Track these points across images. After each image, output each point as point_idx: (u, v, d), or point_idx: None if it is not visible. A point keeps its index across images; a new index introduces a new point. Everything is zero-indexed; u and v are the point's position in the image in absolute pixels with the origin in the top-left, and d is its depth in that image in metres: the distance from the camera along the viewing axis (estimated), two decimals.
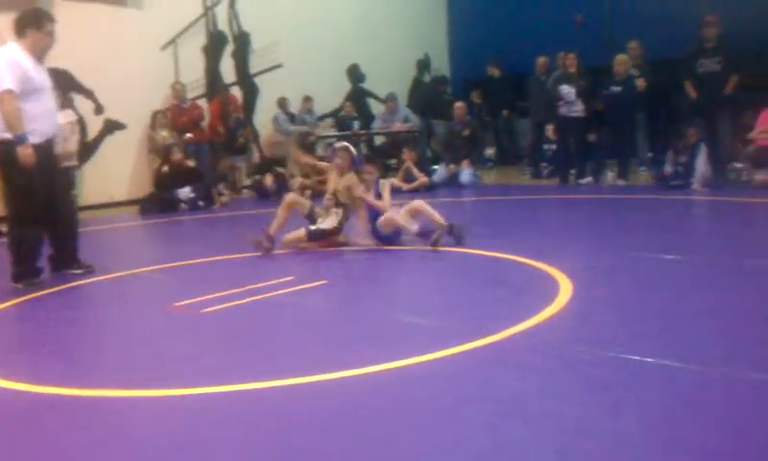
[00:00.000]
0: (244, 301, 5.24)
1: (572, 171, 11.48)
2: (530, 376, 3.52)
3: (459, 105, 12.95)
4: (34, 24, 6.06)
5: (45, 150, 6.11)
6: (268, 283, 5.66)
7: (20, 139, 5.85)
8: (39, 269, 6.27)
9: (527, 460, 2.71)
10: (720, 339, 3.92)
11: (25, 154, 5.84)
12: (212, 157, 12.84)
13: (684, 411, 3.03)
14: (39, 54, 6.13)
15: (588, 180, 11.20)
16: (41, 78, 6.11)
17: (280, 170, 12.35)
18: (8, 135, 5.87)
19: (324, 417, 3.18)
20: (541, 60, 13.07)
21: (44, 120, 6.06)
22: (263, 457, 2.85)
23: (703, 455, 2.65)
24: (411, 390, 3.45)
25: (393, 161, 14.16)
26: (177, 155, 11.33)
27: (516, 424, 3.00)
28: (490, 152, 14.49)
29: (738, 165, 9.93)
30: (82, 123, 11.65)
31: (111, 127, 10.96)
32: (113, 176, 11.99)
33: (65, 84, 11.59)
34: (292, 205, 7.28)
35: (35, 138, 5.94)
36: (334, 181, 7.23)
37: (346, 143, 7.69)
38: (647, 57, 11.69)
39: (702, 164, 9.74)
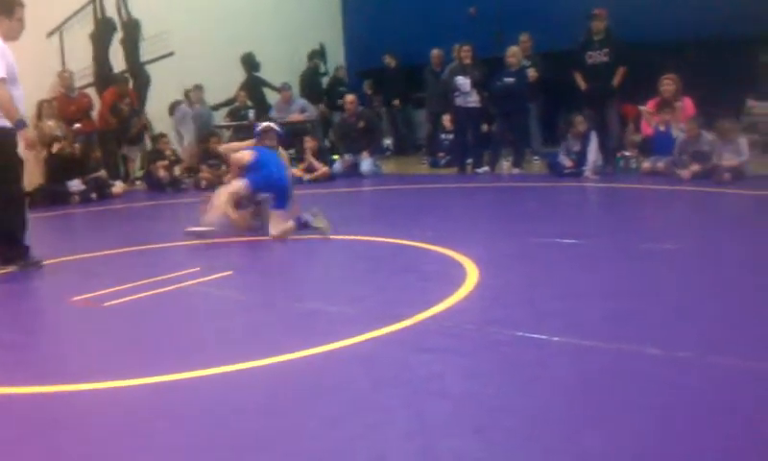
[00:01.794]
0: (148, 293, 5.11)
1: (469, 160, 11.68)
2: (444, 357, 3.57)
3: (350, 98, 12.88)
4: (4, 12, 6.09)
5: (11, 134, 6.10)
6: (172, 275, 5.53)
7: (20, 124, 5.95)
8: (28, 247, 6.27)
9: (448, 439, 2.75)
10: (619, 318, 4.08)
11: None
12: (103, 147, 12.40)
13: (594, 386, 3.15)
14: (11, 40, 6.17)
15: (485, 169, 11.42)
16: (16, 64, 6.14)
17: (171, 159, 12.06)
18: (2, 122, 5.89)
19: (240, 406, 3.14)
20: (436, 51, 13.22)
21: (21, 106, 6.10)
22: (180, 448, 2.79)
23: (616, 429, 2.75)
24: (326, 376, 3.45)
25: (291, 151, 14.09)
26: (64, 146, 10.88)
27: (434, 405, 3.05)
28: (387, 141, 14.59)
29: (627, 153, 10.34)
30: None
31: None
32: None
33: None
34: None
35: (7, 123, 5.95)
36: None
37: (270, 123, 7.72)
38: (538, 49, 12.03)
39: (593, 153, 10.10)
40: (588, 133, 10.14)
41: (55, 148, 10.78)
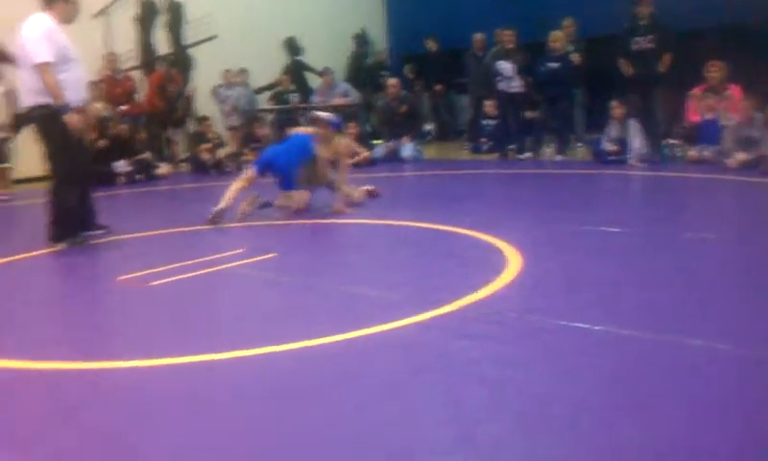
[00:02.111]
0: (193, 273, 5.19)
1: (511, 146, 11.63)
2: (484, 344, 3.58)
3: (392, 82, 12.91)
4: None
5: (77, 114, 6.30)
6: (216, 256, 5.62)
7: (64, 109, 6.08)
8: (79, 227, 6.46)
9: (486, 425, 2.76)
10: (661, 308, 4.05)
11: (71, 120, 6.10)
12: (149, 129, 12.58)
13: (634, 376, 3.14)
14: (66, 23, 6.35)
15: (528, 155, 11.36)
16: (71, 47, 6.29)
17: (215, 142, 12.18)
18: (48, 100, 6.06)
19: (278, 388, 3.19)
20: (478, 36, 13.15)
21: (74, 87, 6.23)
22: (219, 427, 2.84)
23: (655, 419, 2.74)
24: (365, 360, 3.48)
25: None
26: (112, 128, 11.07)
27: (473, 391, 3.06)
28: (429, 127, 14.56)
29: (673, 141, 10.20)
30: (13, 94, 11.31)
31: None
32: None
33: None
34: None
35: (69, 102, 6.15)
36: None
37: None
38: (582, 34, 11.88)
39: (636, 140, 9.99)
40: (628, 120, 10.02)
41: (113, 131, 10.96)
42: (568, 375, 3.18)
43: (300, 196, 7.42)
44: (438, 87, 14.58)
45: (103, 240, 6.57)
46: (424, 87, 14.84)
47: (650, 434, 2.62)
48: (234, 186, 7.42)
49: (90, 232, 6.57)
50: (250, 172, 7.58)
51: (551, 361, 3.35)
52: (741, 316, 3.84)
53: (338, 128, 7.69)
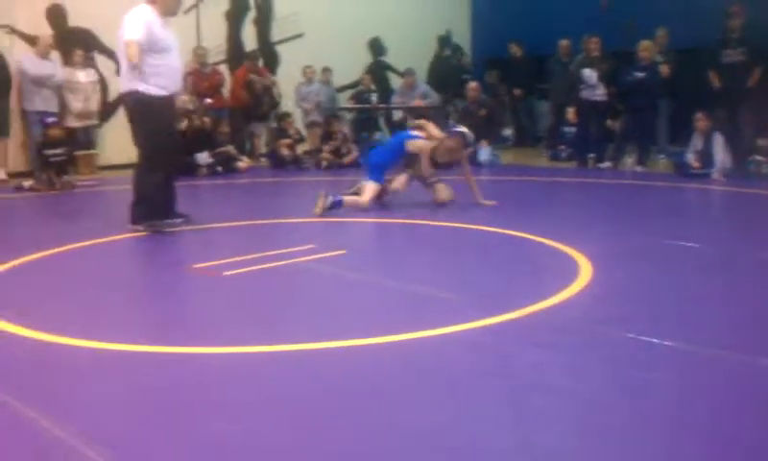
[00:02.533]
0: (264, 266, 5.29)
1: (591, 155, 11.46)
2: (550, 352, 3.55)
3: (473, 85, 12.86)
4: None
5: (168, 103, 6.62)
6: (288, 250, 5.71)
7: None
8: (162, 212, 6.65)
9: (544, 434, 2.74)
10: (736, 326, 3.95)
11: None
12: (232, 123, 12.85)
13: (701, 395, 3.06)
14: (168, 15, 6.64)
15: (607, 164, 11.18)
16: (169, 38, 6.57)
17: (295, 138, 12.35)
18: (140, 87, 6.32)
19: (347, 382, 3.23)
20: (564, 42, 12.99)
21: (168, 75, 6.51)
22: (292, 418, 2.90)
23: (719, 440, 2.68)
24: (429, 360, 3.49)
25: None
26: (196, 120, 11.33)
27: (536, 398, 3.04)
28: (508, 132, 14.45)
29: (759, 158, 9.88)
30: (103, 83, 11.74)
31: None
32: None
33: (87, 44, 11.68)
34: None
35: (160, 91, 6.42)
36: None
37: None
38: (672, 45, 11.62)
39: (720, 153, 9.72)
40: (712, 133, 9.76)
41: (184, 124, 11.22)
42: (632, 388, 3.13)
43: (399, 180, 7.83)
44: (517, 92, 14.46)
45: (181, 228, 6.75)
46: (506, 92, 14.74)
47: (712, 454, 2.56)
48: (358, 200, 7.65)
49: (170, 220, 6.75)
50: (373, 185, 7.75)
51: (616, 373, 3.30)
52: None
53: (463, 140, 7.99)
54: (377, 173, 7.81)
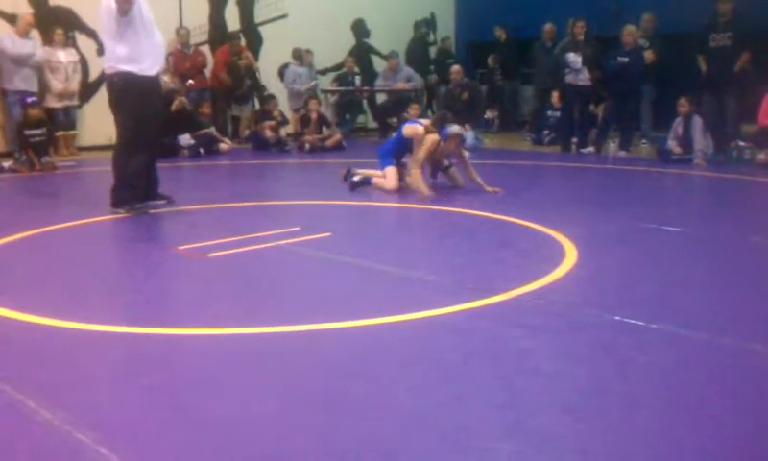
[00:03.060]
0: (250, 248, 5.26)
1: (574, 140, 11.48)
2: (538, 335, 3.55)
3: (455, 68, 12.83)
4: None
5: (156, 83, 6.55)
6: (273, 232, 5.67)
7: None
8: (141, 195, 6.58)
9: (537, 415, 2.74)
10: (723, 310, 3.97)
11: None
12: (214, 104, 12.76)
13: (689, 377, 3.07)
14: None
15: (590, 149, 11.21)
16: (150, 17, 6.44)
17: (278, 121, 12.27)
18: (126, 68, 6.22)
19: (327, 366, 3.20)
20: (548, 26, 12.99)
21: (155, 55, 6.44)
22: (279, 401, 2.88)
23: (707, 422, 2.69)
24: (417, 343, 3.48)
25: (394, 120, 14.13)
26: (179, 102, 11.23)
27: (525, 381, 3.04)
28: (490, 115, 14.45)
29: (742, 143, 9.94)
30: (83, 63, 11.60)
31: None
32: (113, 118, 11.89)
33: (68, 23, 11.52)
34: None
35: (148, 70, 6.35)
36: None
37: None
38: (658, 30, 11.65)
39: (699, 138, 9.77)
40: (691, 117, 9.80)
41: (176, 104, 11.12)
42: (621, 370, 3.14)
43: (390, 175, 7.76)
44: (497, 77, 14.45)
45: (164, 210, 6.69)
46: (501, 77, 14.74)
47: (701, 435, 2.57)
48: (384, 183, 7.77)
49: (152, 202, 6.69)
50: (392, 170, 7.84)
51: (604, 356, 3.30)
52: None
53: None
54: (388, 158, 7.90)
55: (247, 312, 3.93)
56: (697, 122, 9.83)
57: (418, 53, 15.04)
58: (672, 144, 10.06)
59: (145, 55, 6.29)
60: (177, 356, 3.35)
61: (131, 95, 6.30)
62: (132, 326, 3.70)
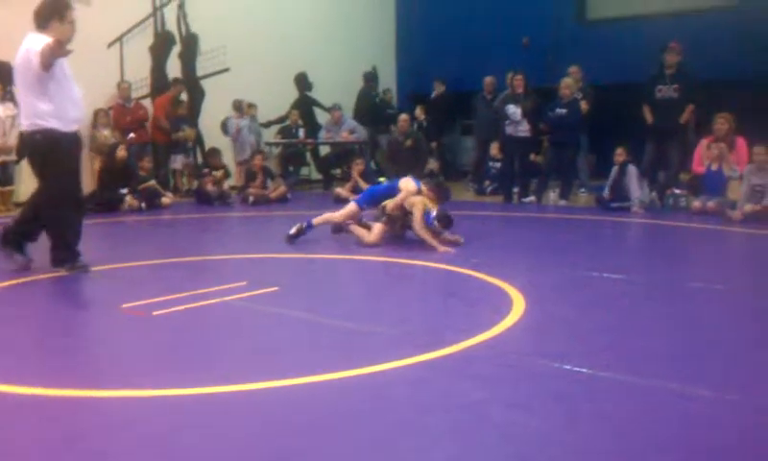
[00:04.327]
0: (195, 304, 5.18)
1: (516, 189, 11.67)
2: (490, 386, 3.57)
3: (403, 117, 12.98)
4: (57, 15, 6.14)
5: (77, 139, 6.32)
6: (219, 288, 5.60)
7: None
8: (79, 252, 6.36)
9: None
10: (668, 355, 4.05)
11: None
12: (156, 158, 12.65)
13: (642, 424, 3.12)
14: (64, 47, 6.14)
15: (531, 199, 11.40)
16: (66, 67, 6.22)
17: (219, 175, 12.18)
18: (50, 124, 6.01)
19: (276, 424, 3.16)
20: (489, 79, 13.26)
21: (75, 108, 6.22)
22: (225, 459, 2.83)
23: None
24: (368, 398, 3.46)
25: (338, 171, 14.20)
26: (122, 152, 11.08)
27: (479, 433, 3.04)
28: (432, 166, 14.61)
29: (678, 191, 10.24)
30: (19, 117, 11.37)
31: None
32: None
33: (6, 77, 11.30)
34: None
35: (70, 126, 6.15)
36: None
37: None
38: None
39: (635, 187, 10.04)
40: (625, 166, 10.08)
41: (119, 154, 10.98)
42: (572, 419, 3.17)
43: (376, 229, 7.64)
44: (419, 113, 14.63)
45: (106, 267, 6.56)
46: (433, 129, 14.94)
47: None
48: (332, 215, 7.91)
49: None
50: (353, 207, 7.92)
51: (556, 405, 3.33)
52: (748, 367, 3.83)
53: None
54: (363, 198, 8.03)
55: (191, 372, 3.84)
56: (632, 171, 10.11)
57: (368, 104, 15.14)
58: (608, 193, 10.31)
59: (68, 110, 6.12)
60: (119, 419, 3.26)
61: (56, 151, 6.07)
62: (75, 388, 3.60)
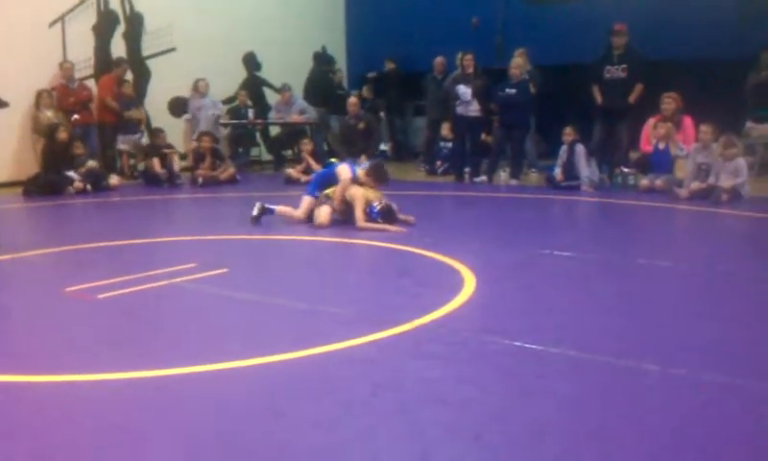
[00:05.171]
0: (142, 287, 5.08)
1: (467, 169, 11.68)
2: (441, 364, 3.55)
3: (352, 99, 12.89)
4: None
5: None
6: (168, 270, 5.50)
7: None
8: None
9: (445, 444, 2.73)
10: (616, 332, 4.08)
11: None
12: (102, 139, 12.36)
13: (594, 400, 3.14)
14: None
15: (483, 179, 11.42)
16: None
17: (169, 152, 11.94)
18: None
19: (227, 406, 3.11)
20: (439, 59, 13.20)
21: None
22: (174, 445, 2.77)
23: (609, 444, 2.74)
24: (320, 378, 3.42)
25: (288, 152, 14.07)
26: (62, 134, 10.81)
27: (431, 411, 3.03)
28: (385, 147, 14.57)
29: (626, 169, 10.36)
30: None
31: None
32: None
33: None
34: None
35: None
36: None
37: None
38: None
39: (584, 166, 10.13)
40: (575, 145, 10.17)
41: (61, 136, 10.71)
42: (525, 396, 3.17)
43: (323, 211, 7.51)
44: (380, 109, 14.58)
45: (50, 250, 6.39)
46: (384, 108, 14.87)
47: (604, 458, 2.61)
48: (293, 212, 7.71)
49: None
50: (308, 200, 7.72)
51: (508, 382, 3.34)
52: (697, 342, 3.88)
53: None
54: (312, 186, 7.83)
55: (139, 355, 3.77)
56: (580, 150, 10.19)
57: (320, 85, 14.95)
58: (558, 172, 10.39)
59: None
60: (69, 404, 3.18)
61: None
62: (16, 374, 3.49)
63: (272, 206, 7.68)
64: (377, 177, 7.64)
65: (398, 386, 3.29)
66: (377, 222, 7.22)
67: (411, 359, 3.64)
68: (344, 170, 7.62)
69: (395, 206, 7.41)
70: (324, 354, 3.69)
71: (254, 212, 7.57)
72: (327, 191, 7.63)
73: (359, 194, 7.32)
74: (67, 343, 4.09)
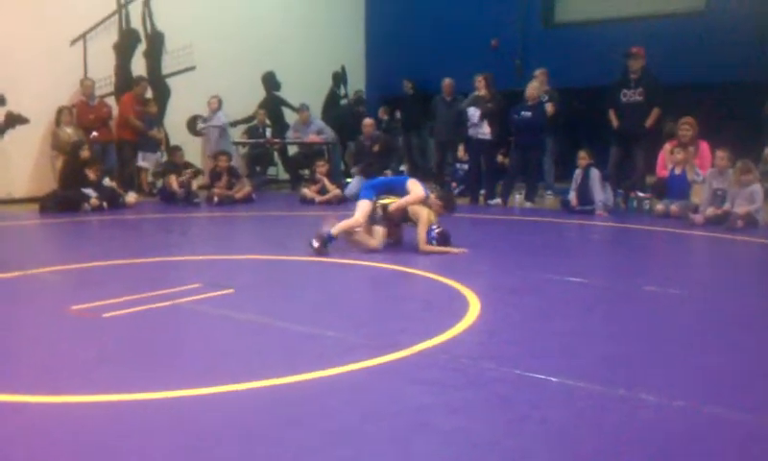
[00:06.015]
0: (147, 307, 5.09)
1: (482, 191, 11.66)
2: (437, 391, 3.52)
3: (368, 121, 12.94)
4: None
5: None
6: (173, 290, 5.51)
7: None
8: None
9: None
10: (617, 361, 4.03)
11: None
12: (120, 157, 12.48)
13: (587, 431, 3.10)
14: None
15: (497, 201, 11.40)
16: None
17: (188, 173, 12.01)
18: None
19: (218, 430, 3.09)
20: (447, 80, 13.13)
21: None
22: None
23: None
24: (312, 404, 3.40)
25: (305, 172, 14.11)
26: (86, 152, 10.92)
27: (422, 439, 3.00)
28: (402, 168, 14.58)
29: (641, 194, 10.29)
30: None
31: (13, 120, 10.43)
32: (13, 171, 11.52)
33: None
34: None
35: None
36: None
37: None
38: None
39: (598, 191, 10.07)
40: (589, 169, 10.12)
41: (84, 154, 10.83)
42: (517, 425, 3.14)
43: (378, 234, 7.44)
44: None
45: (56, 268, 6.43)
46: (400, 129, 14.90)
47: None
48: (350, 223, 7.39)
49: None
50: (366, 204, 7.47)
51: (501, 411, 3.30)
52: (700, 374, 3.82)
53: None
54: (369, 191, 7.60)
55: (140, 377, 3.77)
56: (595, 174, 10.14)
57: (331, 106, 15.07)
58: (572, 196, 10.34)
59: None
60: (65, 424, 3.19)
61: None
62: (19, 393, 3.50)
63: (330, 230, 7.23)
64: (447, 204, 7.65)
65: (389, 413, 3.26)
66: (432, 245, 7.19)
67: (406, 385, 3.61)
68: (417, 185, 7.51)
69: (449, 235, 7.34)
70: (317, 380, 3.66)
71: (315, 244, 7.05)
72: (385, 200, 7.50)
73: (424, 214, 7.30)
74: (65, 362, 4.09)
